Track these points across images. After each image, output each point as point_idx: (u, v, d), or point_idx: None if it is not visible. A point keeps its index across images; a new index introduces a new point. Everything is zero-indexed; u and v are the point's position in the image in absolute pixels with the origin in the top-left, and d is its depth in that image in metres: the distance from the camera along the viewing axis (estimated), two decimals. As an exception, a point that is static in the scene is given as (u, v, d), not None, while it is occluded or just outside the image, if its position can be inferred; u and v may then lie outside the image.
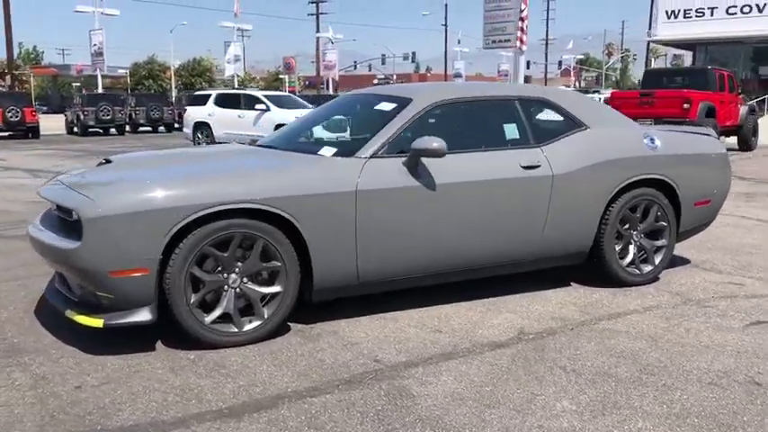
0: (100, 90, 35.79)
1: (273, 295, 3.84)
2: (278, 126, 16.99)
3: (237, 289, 3.76)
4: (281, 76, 73.38)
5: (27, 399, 3.12)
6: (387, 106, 4.47)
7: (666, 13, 30.93)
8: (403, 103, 4.41)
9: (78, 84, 63.72)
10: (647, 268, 5.02)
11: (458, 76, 55.30)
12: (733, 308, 4.48)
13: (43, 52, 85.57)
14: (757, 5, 28.90)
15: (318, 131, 5.09)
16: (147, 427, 2.86)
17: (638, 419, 2.92)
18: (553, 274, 5.05)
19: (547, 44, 74.93)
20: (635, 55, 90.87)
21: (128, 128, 29.90)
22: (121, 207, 3.46)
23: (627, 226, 4.91)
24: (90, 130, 28.20)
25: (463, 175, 4.27)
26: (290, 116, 17.04)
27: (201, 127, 18.52)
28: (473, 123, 4.69)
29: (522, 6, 23.70)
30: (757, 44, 29.54)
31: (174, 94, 51.66)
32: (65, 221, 3.82)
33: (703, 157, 5.26)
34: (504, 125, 4.66)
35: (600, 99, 23.38)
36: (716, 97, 16.15)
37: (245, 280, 3.77)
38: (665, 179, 4.94)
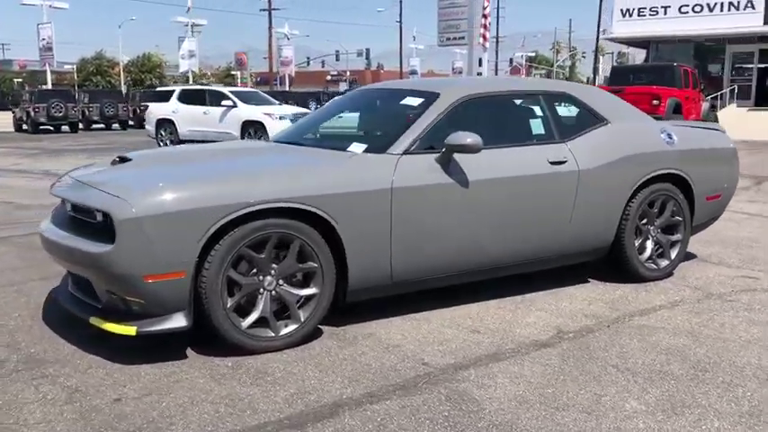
0: (49, 86, 34.60)
1: (309, 297, 3.68)
2: (245, 123, 16.65)
3: (273, 292, 3.59)
4: (232, 72, 72.15)
5: (66, 414, 2.90)
6: (413, 101, 4.34)
7: (622, 11, 31.50)
8: (430, 98, 4.28)
9: (20, 80, 61.55)
10: (664, 263, 5.03)
11: (413, 73, 55.32)
12: (757, 302, 4.50)
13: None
14: (708, 5, 29.68)
15: (335, 126, 4.93)
16: (206, 441, 2.69)
17: (714, 419, 2.86)
18: (569, 271, 5.01)
19: (497, 42, 75.62)
20: (584, 53, 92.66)
21: (81, 125, 28.90)
22: (157, 207, 3.25)
23: (645, 221, 4.90)
24: (41, 127, 27.11)
25: (494, 172, 4.18)
26: (257, 113, 16.66)
27: (165, 124, 17.93)
28: (500, 118, 4.60)
29: (485, 4, 23.86)
30: (705, 42, 30.31)
31: (123, 90, 50.38)
32: (86, 222, 3.59)
33: (715, 152, 5.30)
34: (531, 120, 4.59)
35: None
36: (681, 94, 16.51)
37: (280, 282, 3.60)
38: (681, 174, 4.95)
